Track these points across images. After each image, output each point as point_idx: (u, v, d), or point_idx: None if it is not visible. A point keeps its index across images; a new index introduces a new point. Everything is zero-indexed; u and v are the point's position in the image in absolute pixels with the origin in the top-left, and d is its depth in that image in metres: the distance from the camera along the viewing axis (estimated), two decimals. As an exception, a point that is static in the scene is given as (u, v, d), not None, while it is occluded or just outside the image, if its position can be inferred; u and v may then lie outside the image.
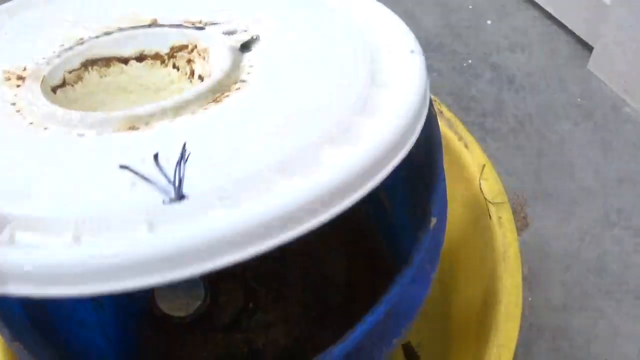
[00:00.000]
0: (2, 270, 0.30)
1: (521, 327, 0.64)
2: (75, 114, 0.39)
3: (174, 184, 0.33)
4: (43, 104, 0.41)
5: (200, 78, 0.48)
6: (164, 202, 0.32)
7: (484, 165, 0.73)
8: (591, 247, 0.93)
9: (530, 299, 0.88)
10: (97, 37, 0.48)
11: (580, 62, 1.15)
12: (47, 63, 0.46)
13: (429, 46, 1.22)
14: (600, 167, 1.01)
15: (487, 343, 0.62)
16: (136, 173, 0.34)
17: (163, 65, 0.49)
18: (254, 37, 0.47)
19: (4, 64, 0.46)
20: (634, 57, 1.04)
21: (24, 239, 0.32)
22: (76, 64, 0.47)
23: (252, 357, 0.70)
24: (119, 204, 0.32)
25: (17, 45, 0.49)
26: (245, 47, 0.46)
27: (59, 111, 0.40)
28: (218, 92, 0.41)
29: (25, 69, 0.46)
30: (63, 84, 0.46)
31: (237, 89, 0.41)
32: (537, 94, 1.12)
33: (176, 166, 0.34)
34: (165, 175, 0.33)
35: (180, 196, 0.32)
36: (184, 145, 0.35)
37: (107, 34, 0.48)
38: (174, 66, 0.49)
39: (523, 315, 0.85)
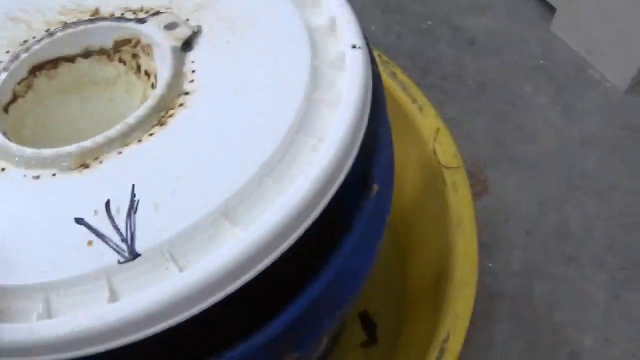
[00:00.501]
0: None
1: (481, 294, 0.64)
2: (28, 152, 0.39)
3: (126, 241, 0.34)
4: None
5: (147, 74, 0.47)
6: (119, 262, 0.34)
7: (438, 129, 0.72)
8: (553, 211, 0.93)
9: (490, 265, 0.88)
10: (40, 39, 0.46)
11: (543, 24, 1.14)
12: None
13: (388, 8, 1.19)
14: (563, 130, 1.01)
15: (442, 311, 0.62)
16: (90, 228, 0.35)
17: (109, 59, 0.49)
18: (195, 31, 0.45)
19: None
20: (597, 18, 1.03)
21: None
22: (23, 72, 0.46)
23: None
24: (80, 267, 0.34)
25: None
26: (187, 45, 0.45)
27: (13, 148, 0.40)
28: (162, 109, 0.41)
29: None
30: (14, 98, 0.46)
31: (180, 104, 0.41)
32: (498, 56, 1.11)
33: (127, 218, 0.35)
34: (118, 231, 0.35)
35: (134, 255, 0.34)
36: (133, 189, 0.36)
37: (51, 34, 0.47)
38: (120, 60, 0.48)
39: (483, 283, 0.86)
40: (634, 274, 0.87)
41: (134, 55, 0.47)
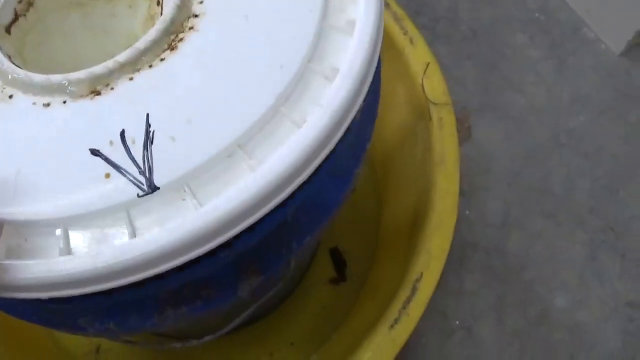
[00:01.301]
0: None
1: (456, 242, 0.61)
2: (37, 78, 0.36)
3: (144, 174, 0.33)
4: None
5: None
6: (138, 195, 0.32)
7: (428, 63, 0.68)
8: (536, 166, 0.90)
9: (467, 213, 0.85)
10: None
11: (543, -21, 1.10)
12: None
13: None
14: (553, 86, 0.98)
15: (416, 250, 0.58)
16: (107, 160, 0.33)
17: None
18: None
19: None
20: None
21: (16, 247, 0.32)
22: None
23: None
24: (99, 201, 0.32)
25: None
26: None
27: (21, 74, 0.37)
28: (172, 33, 0.38)
29: None
30: (15, 18, 0.42)
31: (190, 28, 0.38)
32: (494, 4, 1.06)
33: (143, 150, 0.33)
34: (135, 163, 0.33)
35: (153, 188, 0.32)
36: (147, 119, 0.34)
37: None
38: None
39: (459, 231, 0.82)
40: (613, 237, 0.85)
41: None
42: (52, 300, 0.32)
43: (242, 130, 0.33)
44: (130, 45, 0.40)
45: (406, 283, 0.56)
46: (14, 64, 0.38)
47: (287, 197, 0.34)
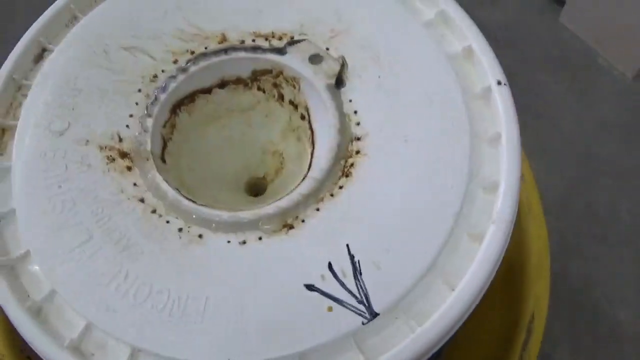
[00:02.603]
0: None
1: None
2: (226, 216, 0.38)
3: (363, 302, 0.35)
4: (174, 197, 0.39)
5: (292, 104, 0.46)
6: (363, 323, 0.34)
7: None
8: (579, 195, 0.97)
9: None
10: (174, 76, 0.44)
11: (553, 16, 1.16)
12: (140, 124, 0.42)
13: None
14: (580, 116, 1.05)
15: (522, 294, 0.60)
16: (324, 294, 0.35)
17: (247, 88, 0.47)
18: (342, 64, 0.44)
19: (92, 136, 0.41)
20: (604, 9, 1.06)
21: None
22: (166, 114, 0.44)
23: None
24: (329, 333, 0.34)
25: (88, 107, 0.43)
26: (340, 81, 0.43)
27: (206, 213, 0.38)
28: (341, 159, 0.40)
29: (120, 139, 0.41)
30: (165, 145, 0.43)
31: (356, 152, 0.40)
32: (512, 48, 1.14)
33: (355, 280, 0.35)
34: (351, 293, 0.35)
35: (373, 315, 0.34)
36: (349, 249, 0.36)
37: (184, 69, 0.44)
38: (259, 88, 0.47)
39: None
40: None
41: (275, 85, 0.46)
42: None
43: (433, 253, 0.36)
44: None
45: (521, 327, 0.60)
46: (185, 197, 0.39)
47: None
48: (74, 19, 0.48)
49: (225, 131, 0.47)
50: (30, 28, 0.46)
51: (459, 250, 0.37)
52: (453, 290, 0.36)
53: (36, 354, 0.35)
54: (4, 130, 0.43)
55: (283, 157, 0.48)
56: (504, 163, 0.40)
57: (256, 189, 0.48)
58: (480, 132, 0.41)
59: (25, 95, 0.44)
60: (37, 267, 0.38)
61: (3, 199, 0.40)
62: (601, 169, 0.99)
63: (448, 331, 0.35)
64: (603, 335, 0.86)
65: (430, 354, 0.35)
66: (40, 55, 0.46)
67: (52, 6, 0.47)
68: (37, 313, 0.36)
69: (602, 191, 0.97)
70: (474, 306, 0.36)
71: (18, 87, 0.45)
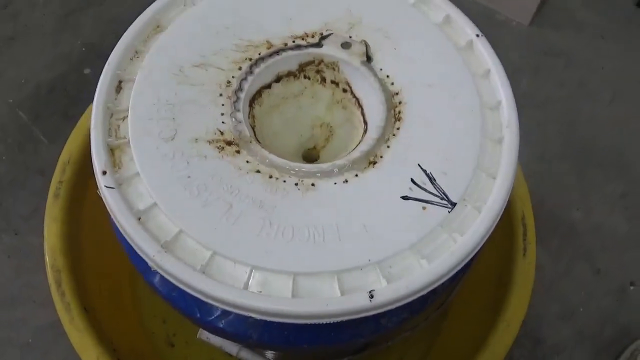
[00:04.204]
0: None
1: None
2: (326, 166, 0.50)
3: (444, 198, 0.48)
4: (283, 163, 0.50)
5: (334, 83, 0.58)
6: (448, 212, 0.48)
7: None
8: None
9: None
10: (244, 78, 0.55)
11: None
12: (232, 119, 0.53)
13: None
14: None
15: None
16: (418, 200, 0.48)
17: (296, 79, 0.58)
18: (367, 46, 0.56)
19: (198, 135, 0.51)
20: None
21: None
22: (247, 108, 0.54)
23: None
24: (427, 226, 0.47)
25: (185, 115, 0.53)
26: (369, 58, 0.56)
27: (311, 166, 0.50)
28: (391, 109, 0.54)
29: (221, 133, 0.52)
30: (253, 132, 0.54)
31: (399, 102, 0.54)
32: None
33: (433, 186, 0.49)
34: (433, 194, 0.49)
35: (453, 204, 0.48)
36: (421, 167, 0.50)
37: (250, 72, 0.55)
38: (305, 77, 0.58)
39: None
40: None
41: (318, 71, 0.58)
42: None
43: (475, 157, 0.51)
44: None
45: (517, 224, 0.74)
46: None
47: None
48: (137, 53, 0.57)
49: (283, 116, 0.59)
50: (107, 64, 0.55)
51: (488, 152, 0.52)
52: (494, 178, 0.50)
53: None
54: (113, 150, 0.52)
55: (331, 126, 0.60)
56: (499, 88, 0.56)
57: (310, 158, 0.60)
58: (476, 70, 0.57)
59: (119, 120, 0.53)
60: (193, 242, 0.47)
61: (139, 198, 0.49)
62: (520, 103, 1.16)
63: (502, 205, 0.49)
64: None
65: (496, 222, 0.48)
66: (119, 86, 0.56)
67: (118, 45, 0.57)
68: (203, 272, 0.46)
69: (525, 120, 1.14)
70: (511, 186, 0.50)
71: (110, 114, 0.54)
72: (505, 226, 0.75)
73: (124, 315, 0.88)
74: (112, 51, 0.56)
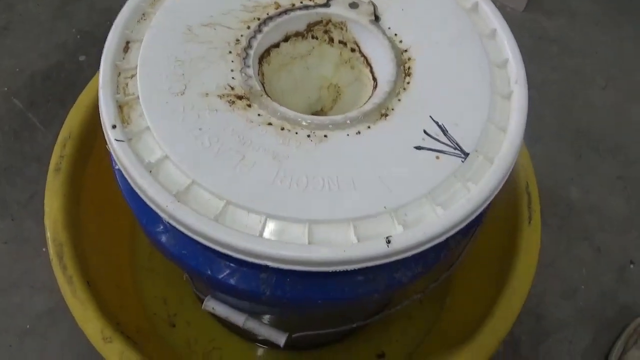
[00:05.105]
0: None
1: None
2: (339, 118, 0.50)
3: (456, 148, 0.48)
4: (295, 115, 0.50)
5: (341, 42, 0.58)
6: (462, 161, 0.48)
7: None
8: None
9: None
10: (253, 36, 0.54)
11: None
12: (242, 74, 0.52)
13: None
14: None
15: None
16: (431, 149, 0.48)
17: (304, 39, 0.58)
18: (375, 6, 0.56)
19: (209, 90, 0.51)
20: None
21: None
22: (256, 64, 0.54)
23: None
24: (442, 174, 0.47)
25: (195, 71, 0.52)
26: (377, 18, 0.56)
27: (323, 118, 0.50)
28: (400, 65, 0.54)
29: (232, 88, 0.51)
30: (263, 86, 0.53)
31: (408, 59, 0.54)
32: None
33: (445, 136, 0.49)
34: (446, 145, 0.48)
35: (466, 154, 0.48)
36: (432, 118, 0.50)
37: (259, 31, 0.54)
38: (313, 37, 0.58)
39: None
40: None
41: (326, 31, 0.57)
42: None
43: (486, 110, 0.50)
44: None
45: (521, 192, 0.74)
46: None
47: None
48: (144, 15, 0.57)
49: (291, 75, 0.59)
50: (114, 25, 0.55)
51: (498, 106, 0.52)
52: (504, 132, 0.50)
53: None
54: (121, 107, 0.51)
55: (338, 87, 0.60)
56: (505, 47, 0.56)
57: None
58: (482, 30, 0.57)
59: (127, 78, 0.53)
60: (206, 192, 0.46)
61: (149, 152, 0.48)
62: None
63: (514, 157, 0.49)
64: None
65: (508, 176, 0.49)
66: (127, 47, 0.55)
67: (125, 6, 0.56)
68: (216, 221, 0.45)
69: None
70: (522, 140, 0.50)
71: (118, 73, 0.53)
72: (510, 196, 0.75)
73: (125, 294, 0.86)
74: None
